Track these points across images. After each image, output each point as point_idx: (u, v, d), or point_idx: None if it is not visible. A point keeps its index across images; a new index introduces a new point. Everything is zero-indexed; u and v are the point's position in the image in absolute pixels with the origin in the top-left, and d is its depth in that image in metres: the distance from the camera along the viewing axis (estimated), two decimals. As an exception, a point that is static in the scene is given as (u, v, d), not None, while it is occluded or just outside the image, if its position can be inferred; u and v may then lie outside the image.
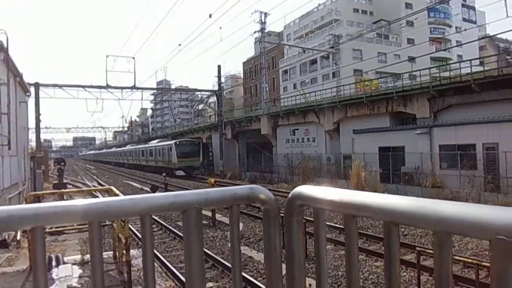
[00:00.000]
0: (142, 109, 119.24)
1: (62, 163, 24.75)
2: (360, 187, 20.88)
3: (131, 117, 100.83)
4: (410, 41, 50.76)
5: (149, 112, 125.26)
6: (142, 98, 54.97)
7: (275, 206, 1.27)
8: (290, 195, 1.21)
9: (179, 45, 55.60)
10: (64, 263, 6.73)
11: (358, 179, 21.64)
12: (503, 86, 20.06)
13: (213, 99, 47.28)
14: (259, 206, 1.30)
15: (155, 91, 62.88)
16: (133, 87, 36.20)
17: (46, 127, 72.78)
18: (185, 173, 39.74)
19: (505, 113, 19.22)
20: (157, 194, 1.23)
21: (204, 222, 12.19)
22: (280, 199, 14.40)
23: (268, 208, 1.27)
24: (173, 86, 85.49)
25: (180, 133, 57.15)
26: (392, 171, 23.10)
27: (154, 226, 14.90)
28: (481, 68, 26.59)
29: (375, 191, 20.09)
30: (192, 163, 39.95)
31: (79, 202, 1.06)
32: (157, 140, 52.64)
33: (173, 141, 43.12)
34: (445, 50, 53.44)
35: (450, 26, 57.97)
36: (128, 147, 69.19)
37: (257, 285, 7.58)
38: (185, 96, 62.09)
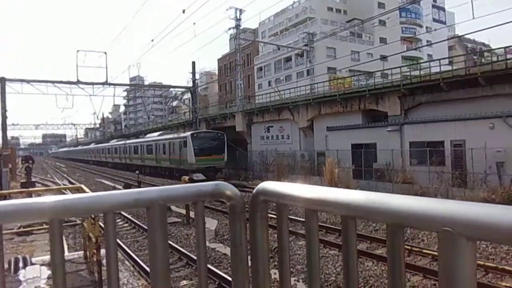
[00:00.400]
0: (114, 105, 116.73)
1: (31, 161, 23.92)
2: (333, 183, 21.17)
3: (103, 114, 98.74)
4: (383, 40, 51.78)
5: (122, 108, 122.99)
6: (114, 94, 53.84)
7: (240, 202, 1.28)
8: (254, 191, 1.23)
9: (152, 40, 54.70)
10: (32, 264, 6.55)
11: (332, 175, 21.94)
12: (469, 85, 20.79)
13: (188, 95, 46.83)
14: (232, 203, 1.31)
15: (128, 87, 61.74)
16: (105, 83, 35.38)
17: (13, 124, 70.18)
18: (205, 176, 28.43)
19: (472, 111, 19.93)
20: (121, 191, 1.22)
21: (178, 220, 12.07)
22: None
23: (233, 204, 1.28)
24: (146, 82, 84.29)
25: (154, 130, 56.31)
26: (364, 168, 23.53)
27: (126, 224, 14.68)
28: (449, 68, 27.44)
29: (348, 187, 20.44)
30: (215, 162, 29.41)
31: (39, 200, 1.04)
32: (157, 133, 42.15)
33: (189, 132, 32.02)
34: (415, 49, 54.86)
35: (420, 26, 59.52)
36: (113, 142, 57.28)
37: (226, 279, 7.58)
38: (159, 92, 61.38)
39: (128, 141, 48.34)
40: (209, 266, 8.66)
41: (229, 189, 1.29)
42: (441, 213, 0.70)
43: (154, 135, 41.45)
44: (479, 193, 16.53)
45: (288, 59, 54.52)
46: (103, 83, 35.30)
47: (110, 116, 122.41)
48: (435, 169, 19.54)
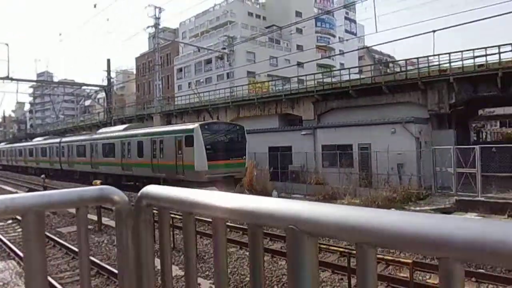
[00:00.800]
0: (18, 103, 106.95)
1: None
2: (251, 185, 21.58)
3: (4, 112, 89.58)
4: (299, 48, 54.07)
5: (27, 106, 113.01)
6: (17, 90, 49.32)
7: (127, 206, 1.28)
8: (138, 194, 1.24)
9: (60, 34, 51.13)
10: None
11: (250, 177, 22.34)
12: (375, 93, 22.66)
13: (102, 94, 44.48)
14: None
15: (34, 83, 56.89)
16: (6, 78, 32.32)
17: None
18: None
19: (376, 117, 21.71)
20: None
21: (90, 226, 11.38)
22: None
23: (119, 208, 1.27)
24: (56, 79, 78.40)
25: (64, 131, 52.55)
26: (280, 170, 24.31)
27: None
28: (358, 76, 29.54)
29: (265, 188, 20.85)
30: (235, 170, 19.97)
31: None
32: (123, 126, 29.56)
33: (196, 123, 20.78)
34: (329, 57, 58.13)
35: (334, 36, 63.32)
36: (39, 140, 42.10)
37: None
38: (70, 90, 57.49)
39: (66, 139, 35.60)
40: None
41: (115, 193, 1.29)
42: (287, 213, 0.79)
43: (113, 130, 29.32)
44: (382, 192, 17.96)
45: (209, 61, 54.49)
46: (3, 78, 32.18)
47: (13, 114, 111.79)
48: (345, 171, 20.85)
